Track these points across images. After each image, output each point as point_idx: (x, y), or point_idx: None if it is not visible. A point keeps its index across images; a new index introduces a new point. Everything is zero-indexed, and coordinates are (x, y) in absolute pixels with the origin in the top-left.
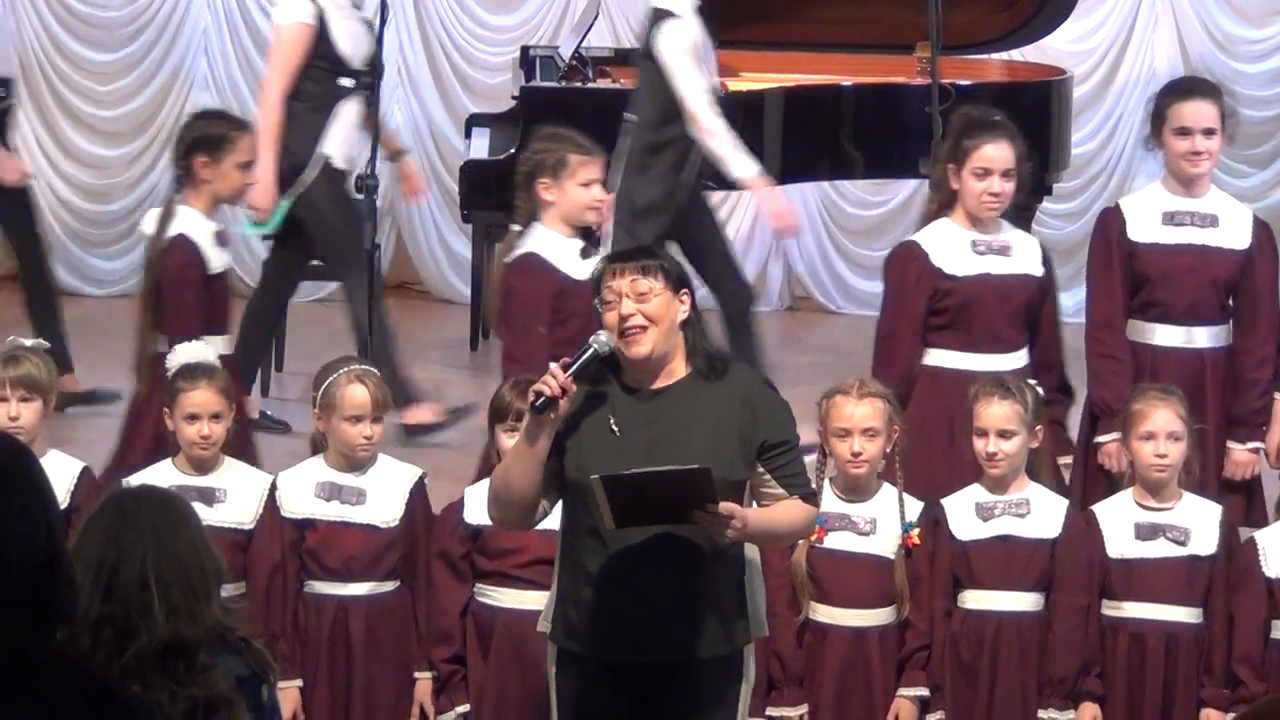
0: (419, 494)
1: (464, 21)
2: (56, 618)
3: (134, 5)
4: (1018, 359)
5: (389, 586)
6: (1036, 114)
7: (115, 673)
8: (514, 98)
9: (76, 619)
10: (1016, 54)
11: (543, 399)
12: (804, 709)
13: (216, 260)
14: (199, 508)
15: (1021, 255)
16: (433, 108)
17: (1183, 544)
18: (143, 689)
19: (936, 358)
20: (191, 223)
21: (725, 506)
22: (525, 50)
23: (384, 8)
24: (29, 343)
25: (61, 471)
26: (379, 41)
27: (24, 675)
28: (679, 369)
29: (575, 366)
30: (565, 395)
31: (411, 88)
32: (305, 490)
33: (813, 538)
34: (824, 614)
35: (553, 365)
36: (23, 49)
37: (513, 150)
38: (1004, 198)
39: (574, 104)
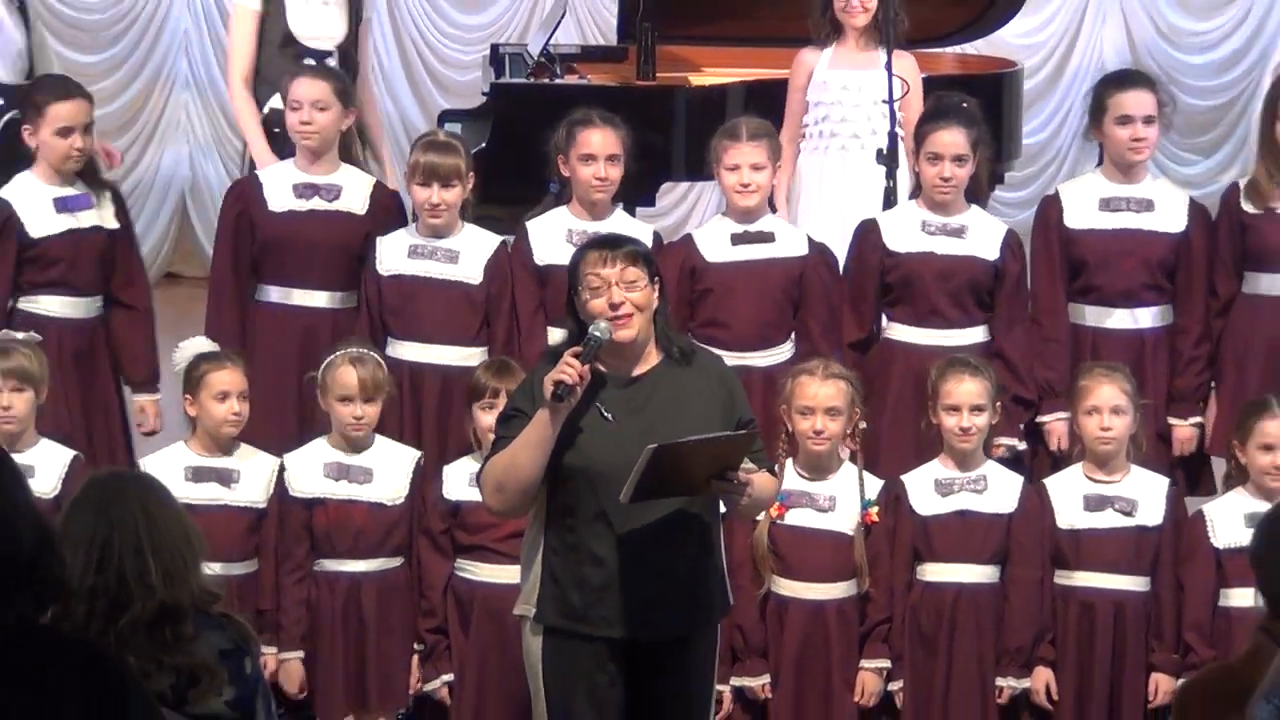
0: (420, 474)
1: (435, 21)
2: (46, 598)
3: (117, 7)
4: (967, 336)
5: (398, 562)
6: (989, 105)
7: (110, 641)
8: (484, 94)
9: (70, 594)
10: (970, 47)
11: (564, 387)
12: (766, 678)
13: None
14: (215, 488)
15: (977, 239)
16: (406, 104)
17: (1130, 515)
18: (135, 659)
19: (890, 330)
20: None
21: (743, 475)
22: (495, 48)
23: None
24: (20, 335)
25: (52, 460)
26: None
27: (19, 654)
28: (652, 355)
29: (586, 354)
30: (582, 382)
31: (385, 85)
32: (314, 470)
33: (774, 514)
34: (785, 587)
35: (566, 355)
36: None
37: (483, 144)
38: (956, 182)
39: (542, 100)
